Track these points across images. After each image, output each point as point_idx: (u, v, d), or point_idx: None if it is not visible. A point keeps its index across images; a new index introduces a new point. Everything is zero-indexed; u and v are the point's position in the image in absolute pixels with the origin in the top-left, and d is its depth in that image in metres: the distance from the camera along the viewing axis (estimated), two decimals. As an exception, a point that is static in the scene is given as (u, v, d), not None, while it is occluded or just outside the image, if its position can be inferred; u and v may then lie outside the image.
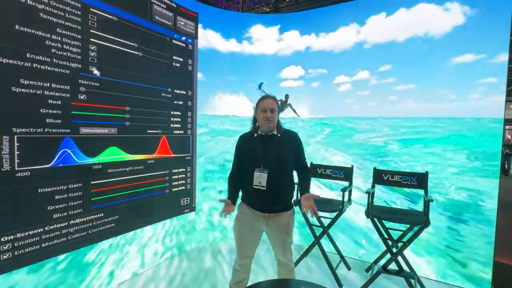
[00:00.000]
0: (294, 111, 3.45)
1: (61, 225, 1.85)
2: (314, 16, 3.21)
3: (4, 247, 1.59)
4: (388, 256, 2.24)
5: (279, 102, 3.47)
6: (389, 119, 2.82)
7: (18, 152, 1.61)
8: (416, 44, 2.61)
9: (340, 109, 3.09)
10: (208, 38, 3.14)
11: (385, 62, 2.79)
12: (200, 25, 2.98)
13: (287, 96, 3.45)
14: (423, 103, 2.60)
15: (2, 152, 1.55)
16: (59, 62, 1.79)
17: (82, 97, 1.92)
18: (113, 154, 2.13)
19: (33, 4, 1.65)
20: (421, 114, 2.62)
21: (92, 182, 2.01)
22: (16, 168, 1.61)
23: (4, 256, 1.60)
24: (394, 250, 2.23)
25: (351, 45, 2.98)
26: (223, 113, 3.38)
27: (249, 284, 1.62)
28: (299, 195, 2.47)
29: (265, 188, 1.57)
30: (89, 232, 2.01)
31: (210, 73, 3.17)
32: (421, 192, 2.43)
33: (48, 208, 1.78)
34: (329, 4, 3.17)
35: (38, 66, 1.69)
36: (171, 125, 2.63)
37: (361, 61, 2.93)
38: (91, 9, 1.96)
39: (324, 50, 3.16)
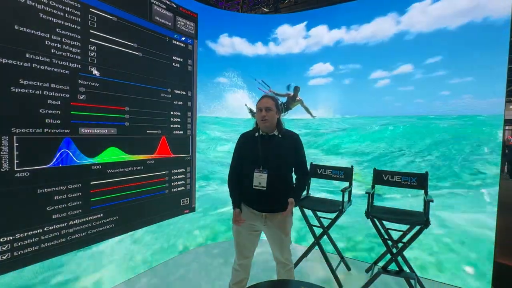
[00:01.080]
0: (307, 109, 3.18)
1: (61, 225, 1.84)
2: (345, 8, 2.99)
3: (3, 248, 1.59)
4: (388, 256, 2.23)
5: (286, 98, 3.34)
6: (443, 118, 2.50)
7: (17, 153, 1.61)
8: (474, 32, 2.29)
9: (379, 107, 2.81)
10: (235, 45, 3.19)
11: (434, 54, 2.48)
12: (225, 34, 3.06)
13: (296, 89, 3.21)
14: (482, 99, 2.30)
15: (1, 153, 1.55)
16: (59, 62, 1.79)
17: (81, 97, 1.92)
18: (112, 155, 2.13)
19: (33, 4, 1.65)
20: (483, 111, 2.30)
21: (91, 183, 2.01)
22: (15, 169, 1.61)
23: (3, 257, 1.59)
24: (394, 250, 2.23)
25: (389, 37, 2.71)
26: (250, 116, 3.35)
27: (248, 284, 1.61)
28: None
29: (265, 189, 1.57)
30: (89, 232, 2.01)
31: (235, 77, 3.21)
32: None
33: (48, 208, 1.77)
34: (329, 4, 3.13)
35: (38, 66, 1.69)
36: (171, 126, 2.63)
37: (402, 54, 2.65)
38: (90, 9, 1.96)
39: (357, 43, 2.90)
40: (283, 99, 3.41)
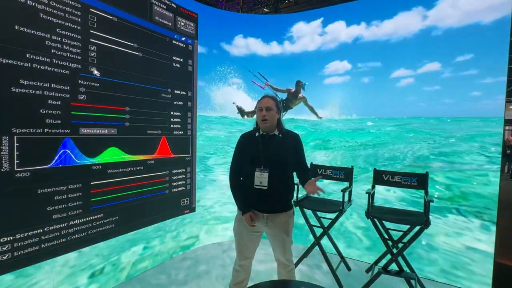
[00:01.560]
0: (312, 109, 2.98)
1: (61, 225, 1.84)
2: (365, 3, 2.82)
3: (3, 248, 1.59)
4: (389, 256, 2.23)
5: (286, 94, 3.20)
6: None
7: (18, 153, 1.61)
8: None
9: (400, 108, 2.65)
10: (250, 46, 3.19)
11: (464, 51, 2.31)
12: (240, 35, 3.08)
13: (298, 84, 3.03)
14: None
15: (2, 153, 1.55)
16: (59, 62, 1.79)
17: (82, 98, 1.92)
18: (113, 155, 2.13)
19: (33, 4, 1.65)
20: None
21: (91, 183, 2.01)
22: (16, 169, 1.61)
23: (3, 257, 1.59)
24: (395, 250, 2.23)
25: (414, 33, 2.55)
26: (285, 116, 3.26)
27: (249, 284, 1.61)
28: (298, 196, 2.49)
29: (266, 188, 1.57)
30: (89, 232, 2.01)
31: (249, 79, 3.20)
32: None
33: (48, 208, 1.77)
34: (330, 5, 3.11)
35: (38, 67, 1.69)
36: (171, 126, 2.63)
37: (428, 51, 2.48)
38: (91, 10, 1.96)
39: (378, 40, 2.73)
40: (282, 96, 3.23)
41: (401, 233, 2.32)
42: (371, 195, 2.29)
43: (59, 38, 1.79)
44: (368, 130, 2.93)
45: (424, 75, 2.53)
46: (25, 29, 1.62)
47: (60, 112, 1.79)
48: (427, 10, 2.49)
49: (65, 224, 1.86)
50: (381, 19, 2.73)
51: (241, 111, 3.41)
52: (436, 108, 2.49)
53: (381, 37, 2.73)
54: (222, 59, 3.20)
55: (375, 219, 2.23)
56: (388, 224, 2.35)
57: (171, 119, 2.62)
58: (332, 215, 2.35)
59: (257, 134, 1.68)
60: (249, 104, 3.42)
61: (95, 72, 1.99)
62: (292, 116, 3.36)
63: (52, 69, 1.75)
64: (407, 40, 2.60)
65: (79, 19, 1.89)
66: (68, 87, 1.84)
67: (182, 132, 2.75)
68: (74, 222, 1.92)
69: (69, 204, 1.88)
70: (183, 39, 2.73)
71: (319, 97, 3.18)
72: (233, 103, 3.37)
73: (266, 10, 6.68)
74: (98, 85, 2.01)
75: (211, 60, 3.12)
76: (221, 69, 3.23)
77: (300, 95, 3.02)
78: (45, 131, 1.73)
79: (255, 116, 1.73)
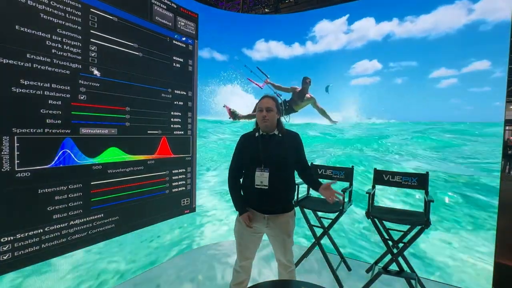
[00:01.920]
0: (323, 112, 2.66)
1: (61, 225, 1.84)
2: None
3: (4, 248, 1.59)
4: (389, 256, 2.23)
5: (291, 94, 3.02)
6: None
7: (18, 153, 1.61)
8: None
9: (442, 112, 2.44)
10: (271, 50, 3.12)
11: None
12: (261, 40, 3.02)
13: (305, 81, 2.75)
14: None
15: (2, 153, 1.55)
16: (59, 62, 1.79)
17: (82, 98, 1.92)
18: (113, 155, 2.13)
19: (34, 4, 1.65)
20: None
21: (92, 183, 2.01)
22: (16, 169, 1.61)
23: (4, 257, 1.59)
24: (395, 250, 2.23)
25: (457, 29, 2.33)
26: (299, 121, 3.08)
27: (249, 285, 1.61)
28: (299, 196, 2.49)
29: (267, 188, 1.57)
30: (89, 232, 2.01)
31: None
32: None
33: (48, 208, 1.77)
34: (330, 5, 3.08)
35: (38, 67, 1.69)
36: (171, 126, 2.63)
37: (475, 49, 2.25)
38: (91, 10, 1.96)
39: (413, 37, 2.51)
40: (286, 96, 2.96)
41: (402, 233, 2.32)
42: (371, 195, 2.29)
43: (60, 38, 1.79)
44: (428, 135, 2.65)
45: (470, 75, 2.31)
46: (26, 29, 1.62)
47: (60, 112, 1.79)
48: (474, 3, 2.27)
49: (66, 224, 1.87)
50: (416, 14, 2.51)
51: (234, 115, 3.27)
52: (484, 111, 2.25)
53: (417, 34, 2.51)
54: (240, 65, 3.11)
55: (376, 219, 2.23)
56: (388, 224, 2.35)
57: (171, 119, 2.62)
58: (333, 215, 2.35)
59: (257, 134, 1.68)
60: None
61: (96, 72, 1.99)
62: (307, 119, 3.03)
63: (53, 69, 1.75)
64: (449, 36, 2.36)
65: (80, 19, 1.89)
66: (68, 87, 1.84)
67: (182, 132, 2.75)
68: (75, 222, 1.92)
69: (69, 204, 1.88)
70: (184, 39, 2.73)
71: (347, 100, 2.93)
72: (224, 106, 3.19)
73: (266, 10, 6.68)
74: (98, 85, 2.01)
75: (229, 66, 3.06)
76: (238, 75, 3.14)
77: (307, 95, 2.74)
78: (46, 131, 1.73)
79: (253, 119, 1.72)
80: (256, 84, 3.07)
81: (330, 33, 2.93)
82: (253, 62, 3.11)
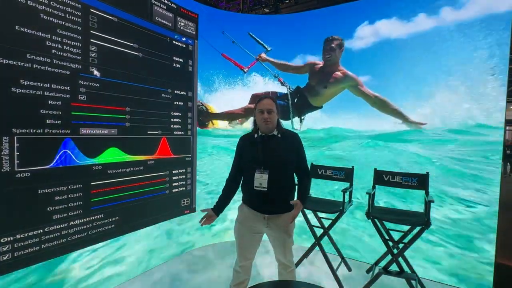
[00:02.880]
0: (384, 104, 1.73)
1: (61, 226, 1.84)
2: None
3: (3, 248, 1.59)
4: (389, 257, 2.23)
5: (308, 76, 2.55)
6: None
7: (18, 153, 1.61)
8: None
9: None
10: (379, 32, 2.36)
11: None
12: (365, 23, 2.38)
13: (331, 47, 1.74)
14: None
15: (2, 153, 1.55)
16: (59, 62, 1.79)
17: (82, 98, 1.92)
18: (113, 155, 2.13)
19: (33, 5, 1.65)
20: None
21: (92, 183, 2.00)
22: (16, 169, 1.61)
23: (3, 257, 1.59)
24: (395, 251, 2.22)
25: None
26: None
27: (249, 285, 1.61)
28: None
29: (266, 189, 1.57)
30: (89, 233, 2.01)
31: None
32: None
33: (48, 209, 1.77)
34: (330, 5, 3.07)
35: (38, 67, 1.69)
36: (171, 126, 2.63)
37: None
38: (91, 10, 1.96)
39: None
40: (293, 81, 2.01)
41: (402, 233, 2.32)
42: (371, 196, 2.29)
43: (60, 39, 1.78)
44: None
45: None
46: (26, 29, 1.62)
47: (60, 113, 1.79)
48: None
49: (66, 225, 1.86)
50: None
51: (204, 113, 2.74)
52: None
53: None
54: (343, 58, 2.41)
55: (376, 220, 2.23)
56: (388, 225, 2.35)
57: (171, 120, 2.62)
58: (333, 216, 2.35)
59: (256, 135, 1.68)
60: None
61: (95, 72, 1.99)
62: (336, 122, 2.41)
63: (53, 69, 1.75)
64: None
65: (80, 20, 1.89)
66: (68, 87, 1.84)
67: (182, 133, 2.75)
68: (75, 222, 1.91)
69: (69, 205, 1.87)
70: (184, 39, 2.73)
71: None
72: (201, 104, 2.78)
73: (266, 10, 6.68)
74: (98, 85, 2.01)
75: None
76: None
77: (338, 72, 1.63)
78: (46, 131, 1.73)
79: (250, 119, 1.69)
80: (236, 64, 2.21)
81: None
82: (353, 53, 2.27)
